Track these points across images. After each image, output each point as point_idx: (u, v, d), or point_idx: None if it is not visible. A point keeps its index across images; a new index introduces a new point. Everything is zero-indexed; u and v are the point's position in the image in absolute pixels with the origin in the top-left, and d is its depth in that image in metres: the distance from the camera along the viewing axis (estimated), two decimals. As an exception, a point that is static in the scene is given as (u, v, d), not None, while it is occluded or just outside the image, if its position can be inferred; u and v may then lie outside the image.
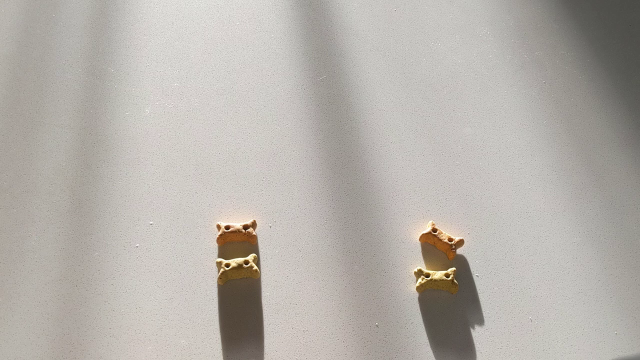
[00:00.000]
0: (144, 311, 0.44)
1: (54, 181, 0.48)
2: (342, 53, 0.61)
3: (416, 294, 0.46)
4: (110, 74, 0.57)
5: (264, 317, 0.44)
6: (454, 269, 0.47)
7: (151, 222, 0.48)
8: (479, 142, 0.56)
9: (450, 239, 0.48)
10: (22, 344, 0.42)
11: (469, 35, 0.65)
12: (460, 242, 0.49)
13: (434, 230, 0.49)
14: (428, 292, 0.46)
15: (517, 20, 0.67)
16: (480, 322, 0.45)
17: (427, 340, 0.44)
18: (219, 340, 0.43)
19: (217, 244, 0.47)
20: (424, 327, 0.45)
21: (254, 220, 0.48)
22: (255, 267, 0.46)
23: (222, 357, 0.42)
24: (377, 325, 0.45)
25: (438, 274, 0.46)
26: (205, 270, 0.46)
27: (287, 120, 0.55)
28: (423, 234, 0.49)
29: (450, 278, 0.46)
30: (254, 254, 0.46)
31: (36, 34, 0.60)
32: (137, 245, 0.47)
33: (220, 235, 0.47)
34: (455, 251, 0.48)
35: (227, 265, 0.45)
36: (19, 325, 0.42)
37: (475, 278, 0.48)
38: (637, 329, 0.46)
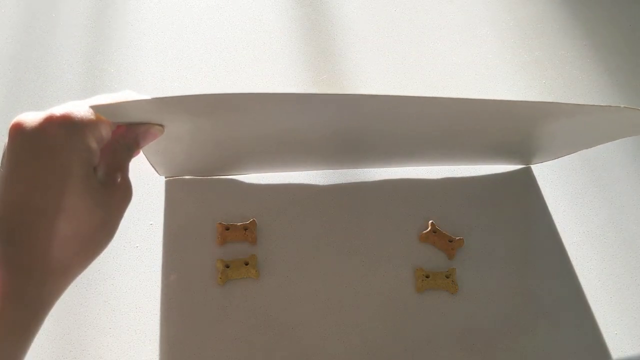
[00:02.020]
0: (144, 311, 0.44)
1: (54, 181, 0.48)
2: (342, 53, 0.61)
3: (416, 294, 0.46)
4: (110, 74, 0.57)
5: (264, 317, 0.44)
6: (454, 268, 0.47)
7: (151, 222, 0.48)
8: (479, 142, 0.56)
9: (450, 239, 0.48)
10: (22, 344, 0.42)
11: (469, 35, 0.65)
12: (460, 242, 0.49)
13: (434, 230, 0.49)
14: (428, 292, 0.46)
15: (517, 20, 0.67)
16: (481, 322, 0.45)
17: (427, 340, 0.44)
18: (219, 341, 0.43)
19: (217, 244, 0.47)
20: (424, 327, 0.45)
21: (254, 220, 0.48)
22: (256, 267, 0.46)
23: (221, 357, 0.42)
24: (377, 326, 0.45)
25: (438, 274, 0.46)
26: (205, 270, 0.46)
27: (287, 120, 0.55)
28: (423, 234, 0.49)
29: (450, 278, 0.46)
30: (254, 254, 0.46)
31: (36, 34, 0.60)
32: (137, 245, 0.47)
33: (220, 235, 0.47)
34: (455, 251, 0.48)
35: (227, 265, 0.45)
36: (19, 325, 0.42)
37: (475, 278, 0.48)
38: (637, 329, 0.46)
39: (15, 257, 0.30)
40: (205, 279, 0.46)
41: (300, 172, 0.52)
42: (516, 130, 0.45)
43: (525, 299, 0.47)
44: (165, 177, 0.50)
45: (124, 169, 0.35)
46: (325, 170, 0.52)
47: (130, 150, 0.35)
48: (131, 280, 0.45)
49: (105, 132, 0.33)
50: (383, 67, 0.60)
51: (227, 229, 0.47)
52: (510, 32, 0.66)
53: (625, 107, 0.37)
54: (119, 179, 0.34)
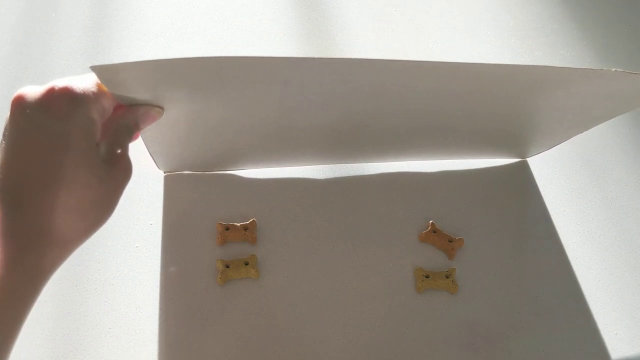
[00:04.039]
0: (144, 311, 0.44)
1: (54, 181, 0.48)
2: (342, 53, 0.61)
3: (416, 294, 0.46)
4: (110, 74, 0.57)
5: (264, 317, 0.44)
6: (454, 268, 0.47)
7: (151, 222, 0.48)
8: (479, 142, 0.56)
9: (450, 239, 0.48)
10: (22, 344, 0.42)
11: (469, 35, 0.65)
12: (460, 242, 0.49)
13: (434, 230, 0.49)
14: (428, 292, 0.46)
15: (517, 20, 0.67)
16: (480, 322, 0.45)
17: (427, 340, 0.44)
18: (219, 340, 0.43)
19: (217, 244, 0.47)
20: (424, 327, 0.45)
21: (254, 220, 0.48)
22: (256, 267, 0.46)
23: (221, 357, 0.42)
24: (377, 325, 0.45)
25: (438, 274, 0.46)
26: (205, 270, 0.46)
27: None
28: (423, 234, 0.49)
29: (450, 278, 0.46)
30: (254, 254, 0.46)
31: (36, 34, 0.60)
32: (137, 245, 0.47)
33: (220, 235, 0.47)
34: (455, 251, 0.48)
35: (227, 265, 0.45)
36: (19, 325, 0.42)
37: (475, 278, 0.48)
38: (637, 329, 0.46)
39: (16, 225, 0.30)
40: (205, 279, 0.46)
41: (300, 173, 0.52)
42: (509, 105, 0.44)
43: (525, 299, 0.47)
44: (165, 172, 0.50)
45: (124, 149, 0.35)
46: (325, 171, 0.52)
47: (130, 131, 0.35)
48: (131, 280, 0.45)
49: (107, 104, 0.33)
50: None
51: (227, 229, 0.47)
52: (510, 32, 0.66)
53: (616, 70, 0.37)
54: (119, 158, 0.34)
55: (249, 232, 0.47)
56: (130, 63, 0.32)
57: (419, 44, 0.63)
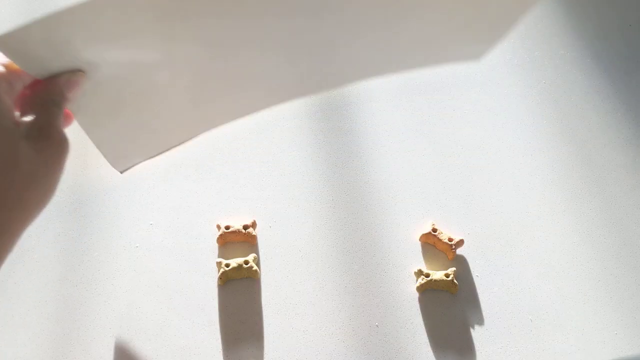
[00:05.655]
0: (144, 311, 0.44)
1: (54, 181, 0.48)
2: (342, 53, 0.61)
3: (416, 294, 0.46)
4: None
5: (264, 317, 0.44)
6: (454, 269, 0.47)
7: (151, 222, 0.48)
8: (479, 142, 0.56)
9: (450, 239, 0.48)
10: (22, 344, 0.42)
11: (469, 35, 0.65)
12: (460, 242, 0.49)
13: (434, 230, 0.49)
14: (428, 292, 0.47)
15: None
16: (480, 322, 0.45)
17: (427, 340, 0.44)
18: (219, 341, 0.43)
19: (217, 244, 0.47)
20: (424, 327, 0.45)
21: (254, 220, 0.48)
22: (255, 267, 0.46)
23: (222, 357, 0.42)
24: (377, 325, 0.45)
25: (438, 274, 0.46)
26: (205, 270, 0.46)
27: (287, 120, 0.55)
28: (423, 234, 0.49)
29: (450, 278, 0.46)
30: (254, 254, 0.46)
31: (36, 34, 0.60)
32: (137, 245, 0.47)
33: (220, 235, 0.47)
34: (455, 251, 0.48)
35: (227, 265, 0.45)
36: (19, 325, 0.42)
37: (475, 278, 0.48)
38: (637, 329, 0.46)
39: None
40: (205, 279, 0.46)
41: (300, 173, 0.52)
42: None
43: (525, 299, 0.47)
44: (121, 172, 0.44)
45: (56, 124, 0.34)
46: (325, 171, 0.52)
47: (59, 103, 0.34)
48: (131, 280, 0.45)
49: (14, 79, 0.32)
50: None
51: (227, 228, 0.47)
52: (510, 32, 0.66)
53: None
54: (51, 133, 0.33)
55: (248, 232, 0.47)
56: (30, 25, 0.29)
57: (419, 44, 0.63)
